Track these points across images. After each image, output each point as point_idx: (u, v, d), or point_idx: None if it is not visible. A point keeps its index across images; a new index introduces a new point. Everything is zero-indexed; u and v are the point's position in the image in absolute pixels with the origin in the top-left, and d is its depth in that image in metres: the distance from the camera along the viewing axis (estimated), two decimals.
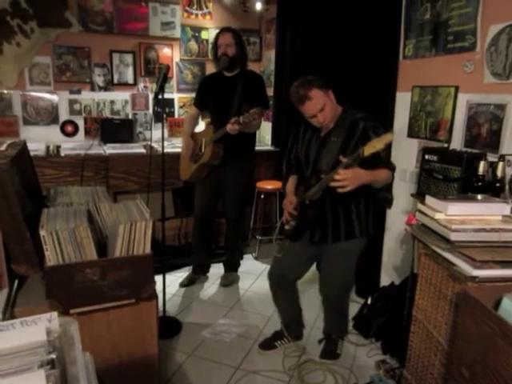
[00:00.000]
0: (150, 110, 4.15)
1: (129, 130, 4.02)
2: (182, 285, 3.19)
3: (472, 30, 2.17)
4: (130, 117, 4.11)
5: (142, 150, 3.65)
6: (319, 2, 3.22)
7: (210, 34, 4.20)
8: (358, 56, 2.84)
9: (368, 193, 1.98)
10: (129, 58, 4.01)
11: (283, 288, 2.34)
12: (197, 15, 4.20)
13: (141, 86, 4.13)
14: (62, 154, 3.38)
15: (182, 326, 2.63)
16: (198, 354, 2.37)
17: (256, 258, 3.76)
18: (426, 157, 2.28)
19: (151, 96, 4.12)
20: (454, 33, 2.29)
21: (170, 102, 4.23)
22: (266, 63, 4.48)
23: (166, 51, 4.13)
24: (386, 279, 2.90)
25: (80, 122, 3.94)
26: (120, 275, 1.36)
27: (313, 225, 2.09)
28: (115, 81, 4.00)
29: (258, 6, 4.18)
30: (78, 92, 3.90)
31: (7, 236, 1.34)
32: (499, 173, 1.91)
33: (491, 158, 2.02)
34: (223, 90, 2.90)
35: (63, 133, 3.90)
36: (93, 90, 3.95)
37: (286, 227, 2.18)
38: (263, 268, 3.50)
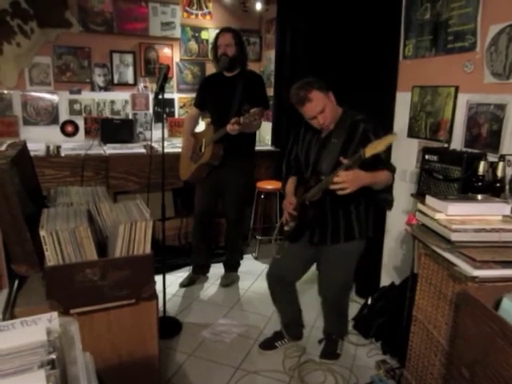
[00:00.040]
0: (150, 110, 4.15)
1: (129, 130, 4.02)
2: (182, 285, 3.19)
3: (472, 30, 2.17)
4: (130, 117, 4.11)
5: (142, 150, 3.65)
6: (319, 2, 3.22)
7: (210, 34, 4.20)
8: (358, 56, 2.84)
9: (368, 194, 1.97)
10: (129, 58, 4.01)
11: (282, 289, 2.34)
12: (197, 15, 4.21)
13: (141, 86, 4.13)
14: (62, 154, 3.38)
15: (182, 326, 2.63)
16: (198, 354, 2.37)
17: (256, 258, 3.76)
18: (426, 157, 2.28)
19: (151, 96, 4.12)
20: (454, 33, 2.29)
21: (170, 102, 4.23)
22: (266, 63, 4.48)
23: (166, 51, 4.13)
24: (386, 279, 2.89)
25: (80, 122, 3.94)
26: (120, 275, 1.36)
27: (312, 226, 2.09)
28: (115, 81, 4.00)
29: (258, 6, 4.18)
30: (78, 92, 3.90)
31: (7, 236, 1.34)
32: (499, 173, 1.91)
33: (491, 158, 2.02)
34: (223, 90, 2.90)
35: (63, 133, 3.90)
36: (93, 90, 3.95)
37: (286, 228, 2.18)
38: (263, 268, 3.49)
